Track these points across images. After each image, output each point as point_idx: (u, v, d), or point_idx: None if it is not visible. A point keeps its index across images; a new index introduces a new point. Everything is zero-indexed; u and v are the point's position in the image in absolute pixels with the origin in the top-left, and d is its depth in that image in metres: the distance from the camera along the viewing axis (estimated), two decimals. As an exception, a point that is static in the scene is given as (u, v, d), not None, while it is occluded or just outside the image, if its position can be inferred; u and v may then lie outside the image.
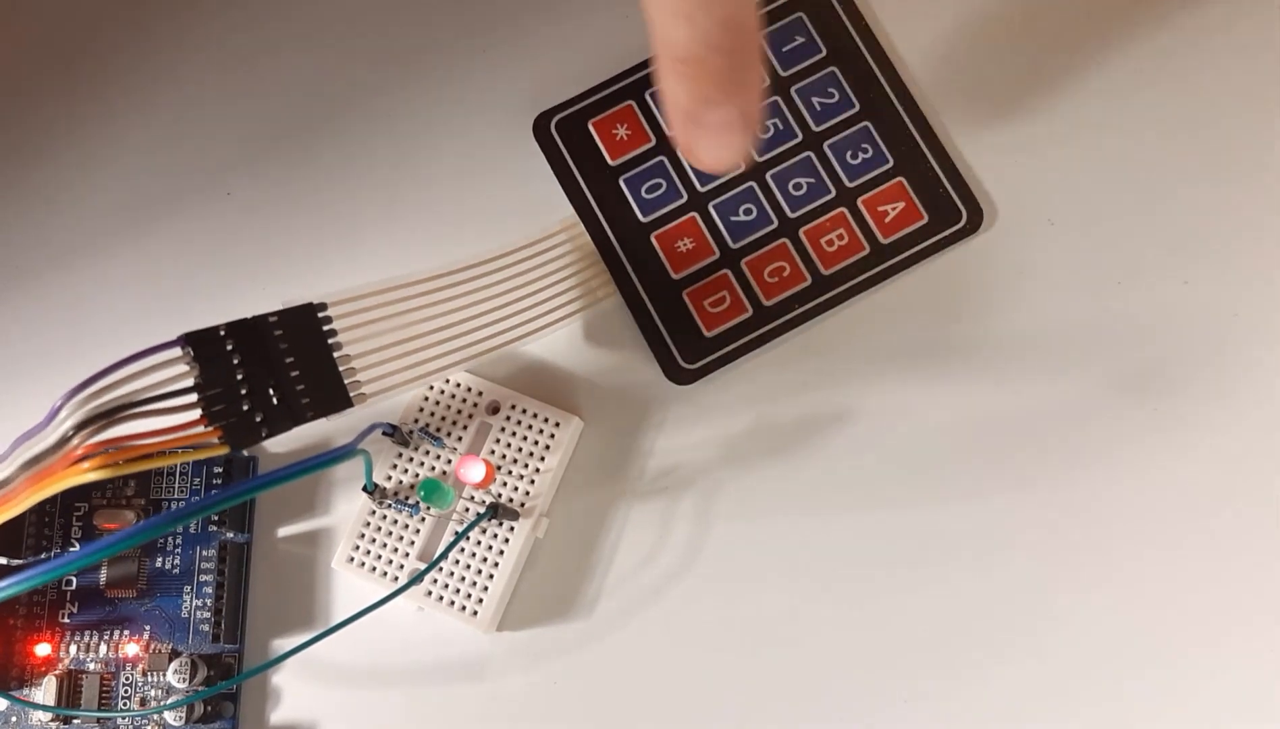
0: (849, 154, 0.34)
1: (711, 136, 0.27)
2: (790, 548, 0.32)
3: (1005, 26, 0.35)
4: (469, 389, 0.32)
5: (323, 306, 0.28)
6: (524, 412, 0.32)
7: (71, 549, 0.32)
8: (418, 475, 0.32)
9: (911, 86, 0.34)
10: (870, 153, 0.34)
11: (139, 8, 0.37)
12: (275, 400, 0.26)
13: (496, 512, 0.31)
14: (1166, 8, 0.35)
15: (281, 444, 0.33)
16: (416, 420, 0.32)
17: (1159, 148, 0.34)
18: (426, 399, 0.32)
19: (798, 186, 0.34)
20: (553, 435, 0.32)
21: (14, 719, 0.31)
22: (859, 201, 0.33)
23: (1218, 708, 0.30)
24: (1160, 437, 0.32)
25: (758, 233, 0.34)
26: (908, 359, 0.33)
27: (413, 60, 0.36)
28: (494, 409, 0.32)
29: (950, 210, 0.33)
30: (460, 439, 0.32)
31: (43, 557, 0.32)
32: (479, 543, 0.31)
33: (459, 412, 0.32)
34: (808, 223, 0.33)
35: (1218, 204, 0.33)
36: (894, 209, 0.33)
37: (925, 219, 0.33)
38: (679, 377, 0.33)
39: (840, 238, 0.33)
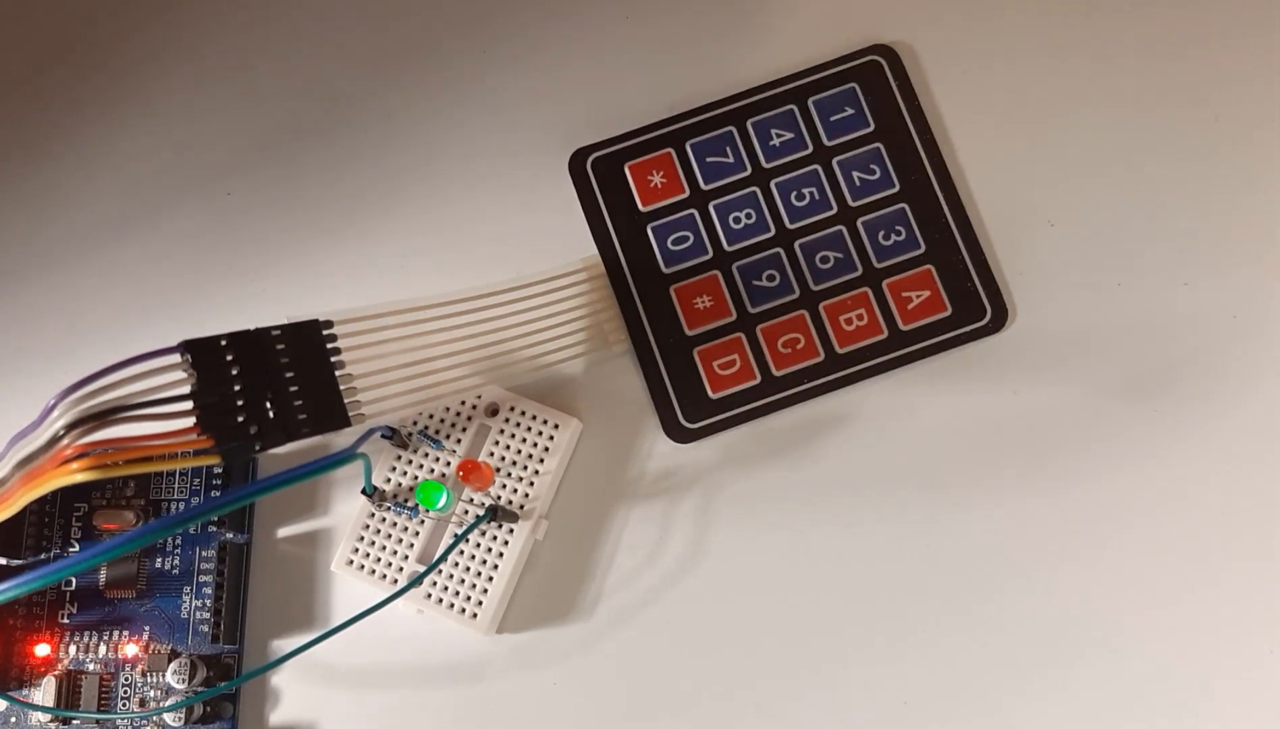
0: (881, 234, 0.33)
1: None
2: (789, 550, 0.32)
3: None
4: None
5: (328, 324, 0.28)
6: (523, 414, 0.32)
7: (71, 550, 0.32)
8: (417, 477, 0.32)
9: (957, 177, 0.34)
10: (903, 235, 0.33)
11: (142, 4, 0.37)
12: (271, 414, 0.26)
13: (496, 514, 0.31)
14: (1170, 15, 0.35)
15: (281, 446, 0.32)
16: (415, 423, 0.32)
17: (1160, 150, 0.34)
18: (426, 401, 0.32)
19: (824, 259, 0.33)
20: (552, 437, 0.32)
21: (13, 719, 0.31)
22: (884, 283, 0.33)
23: (1217, 703, 0.30)
24: (1159, 437, 0.32)
25: (778, 300, 0.33)
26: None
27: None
28: (493, 411, 0.32)
29: (975, 306, 0.33)
30: (459, 441, 0.32)
31: (42, 557, 0.32)
32: (478, 545, 0.31)
33: (458, 414, 0.32)
34: (829, 298, 0.33)
35: (1218, 207, 0.33)
36: (918, 297, 0.33)
37: (948, 311, 0.33)
38: (678, 435, 0.32)
39: (860, 318, 0.33)
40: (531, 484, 0.31)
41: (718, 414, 0.32)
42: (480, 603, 0.31)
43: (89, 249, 0.35)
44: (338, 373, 0.28)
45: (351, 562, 0.31)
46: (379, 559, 0.31)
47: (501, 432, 0.32)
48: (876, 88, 0.34)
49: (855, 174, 0.34)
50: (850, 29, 0.35)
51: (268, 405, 0.26)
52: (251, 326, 0.27)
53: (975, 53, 0.35)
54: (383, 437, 0.31)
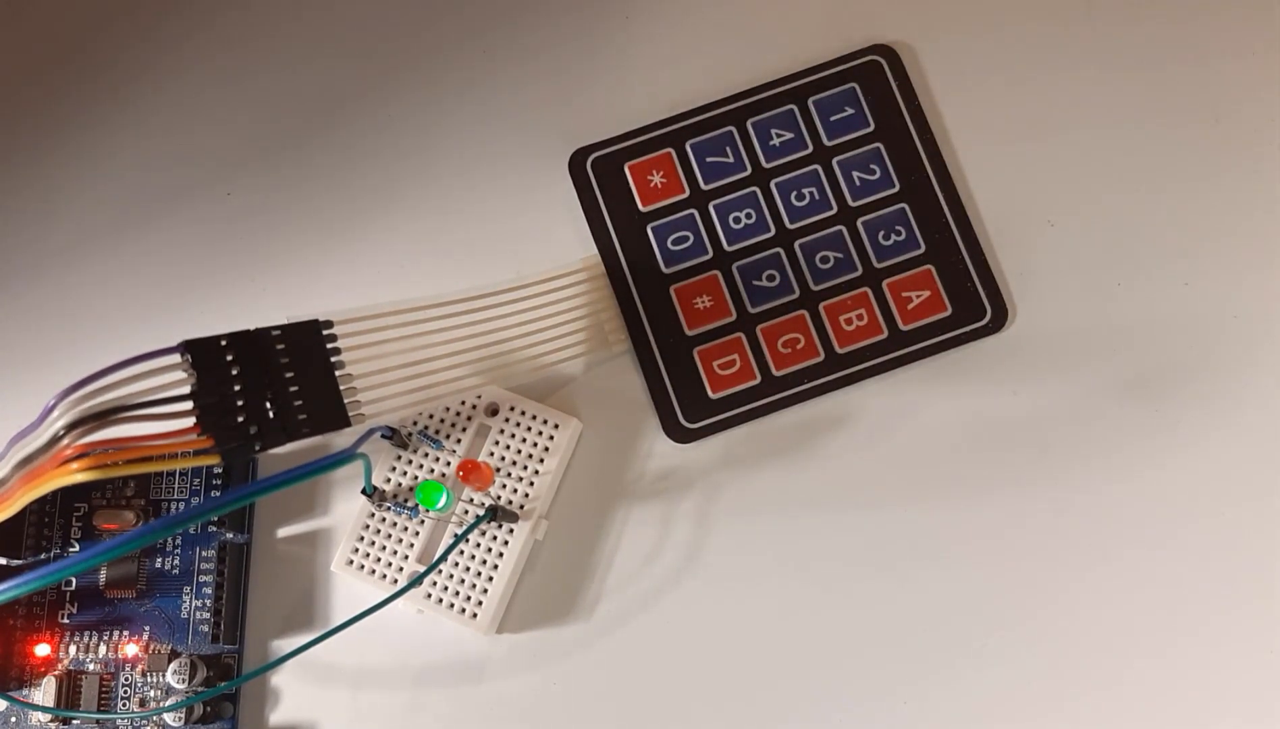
0: (881, 234, 0.33)
1: None
2: (789, 550, 0.32)
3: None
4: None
5: (328, 324, 0.28)
6: (523, 414, 0.32)
7: (71, 550, 0.32)
8: (417, 477, 0.32)
9: (957, 177, 0.34)
10: (903, 235, 0.33)
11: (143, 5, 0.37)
12: (271, 414, 0.26)
13: (496, 514, 0.31)
14: (1170, 15, 0.35)
15: (281, 446, 0.32)
16: (415, 422, 0.32)
17: (1159, 151, 0.34)
18: (426, 401, 0.32)
19: (824, 259, 0.33)
20: (552, 437, 0.32)
21: (13, 719, 0.31)
22: (884, 283, 0.33)
23: (1215, 701, 0.30)
24: (1160, 437, 0.32)
25: (777, 300, 0.33)
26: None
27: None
28: (493, 411, 0.32)
29: (975, 306, 0.33)
30: (459, 441, 0.32)
31: (42, 557, 0.32)
32: (478, 545, 0.31)
33: (458, 414, 0.32)
34: (829, 298, 0.33)
35: (1218, 207, 0.33)
36: (918, 297, 0.33)
37: (948, 311, 0.33)
38: (678, 435, 0.32)
39: (860, 318, 0.33)
40: (531, 484, 0.31)
41: (718, 414, 0.32)
42: (480, 603, 0.31)
43: (89, 249, 0.35)
44: (338, 373, 0.28)
45: (351, 562, 0.31)
46: (379, 559, 0.31)
47: (501, 432, 0.32)
48: (876, 88, 0.34)
49: (855, 174, 0.34)
50: (850, 29, 0.35)
51: (268, 406, 0.26)
52: (251, 327, 0.27)
53: (975, 53, 0.35)
54: (383, 437, 0.31)
